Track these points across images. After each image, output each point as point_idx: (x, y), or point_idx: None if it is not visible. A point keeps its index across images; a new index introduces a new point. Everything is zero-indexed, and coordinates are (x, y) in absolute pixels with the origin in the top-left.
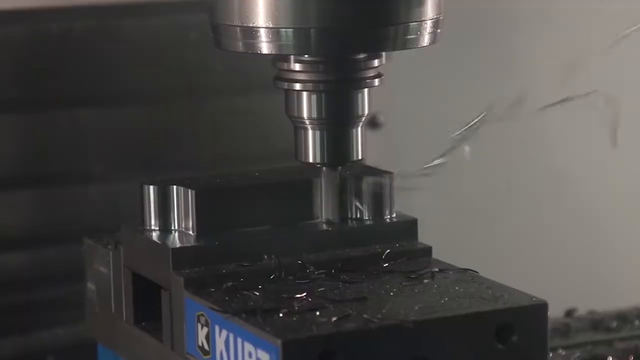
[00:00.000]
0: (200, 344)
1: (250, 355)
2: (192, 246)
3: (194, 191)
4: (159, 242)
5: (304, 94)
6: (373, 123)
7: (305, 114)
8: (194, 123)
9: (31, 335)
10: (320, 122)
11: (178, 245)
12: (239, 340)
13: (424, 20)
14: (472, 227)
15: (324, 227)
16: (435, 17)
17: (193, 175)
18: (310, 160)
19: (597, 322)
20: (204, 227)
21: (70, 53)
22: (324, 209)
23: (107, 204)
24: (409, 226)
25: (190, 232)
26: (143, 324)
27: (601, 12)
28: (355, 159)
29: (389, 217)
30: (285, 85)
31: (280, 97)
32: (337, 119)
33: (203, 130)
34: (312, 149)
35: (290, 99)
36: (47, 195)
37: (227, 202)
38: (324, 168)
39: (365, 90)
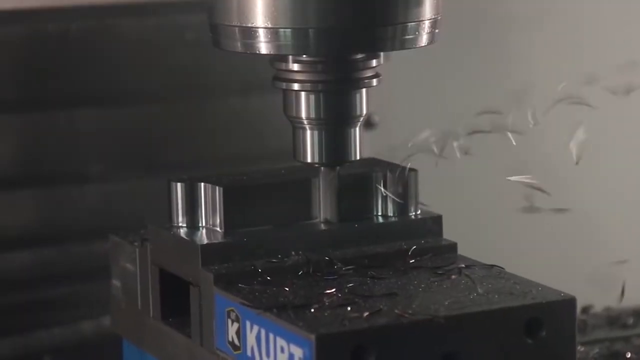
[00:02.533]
0: (230, 339)
1: (282, 350)
2: (220, 242)
3: (221, 188)
4: (187, 238)
5: (302, 94)
6: (368, 123)
7: (303, 114)
8: (193, 123)
9: (29, 335)
10: (318, 122)
11: (207, 241)
12: (271, 336)
13: (422, 21)
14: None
15: (351, 224)
16: (433, 17)
17: (219, 173)
18: (309, 160)
19: (613, 319)
20: (231, 224)
21: (69, 53)
22: (322, 209)
23: (106, 204)
24: (434, 223)
25: (218, 229)
26: (170, 320)
27: (599, 11)
28: (353, 158)
29: (413, 213)
30: (284, 85)
31: (278, 97)
32: (336, 119)
33: (202, 130)
34: (310, 149)
35: (288, 99)
36: (46, 195)
37: (254, 199)
38: (322, 168)
39: (364, 90)
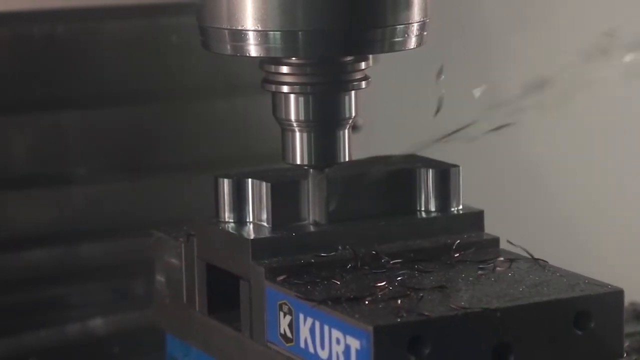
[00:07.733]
0: (282, 331)
1: (338, 341)
2: (269, 237)
3: (269, 184)
4: (236, 233)
5: (292, 96)
6: (352, 126)
7: (292, 116)
8: (178, 125)
9: (15, 336)
10: (307, 124)
11: (256, 236)
12: (326, 328)
13: (411, 23)
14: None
15: (396, 219)
16: (421, 20)
17: (264, 168)
18: (298, 162)
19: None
20: (278, 219)
21: (54, 55)
22: (311, 210)
23: (93, 206)
24: (476, 218)
25: (265, 224)
26: (216, 314)
27: (580, 13)
28: (342, 160)
29: (455, 209)
30: (273, 87)
31: (263, 99)
32: (325, 121)
33: (187, 132)
34: (299, 150)
35: (278, 102)
36: (33, 197)
37: (301, 194)
38: (311, 170)
39: (353, 92)
